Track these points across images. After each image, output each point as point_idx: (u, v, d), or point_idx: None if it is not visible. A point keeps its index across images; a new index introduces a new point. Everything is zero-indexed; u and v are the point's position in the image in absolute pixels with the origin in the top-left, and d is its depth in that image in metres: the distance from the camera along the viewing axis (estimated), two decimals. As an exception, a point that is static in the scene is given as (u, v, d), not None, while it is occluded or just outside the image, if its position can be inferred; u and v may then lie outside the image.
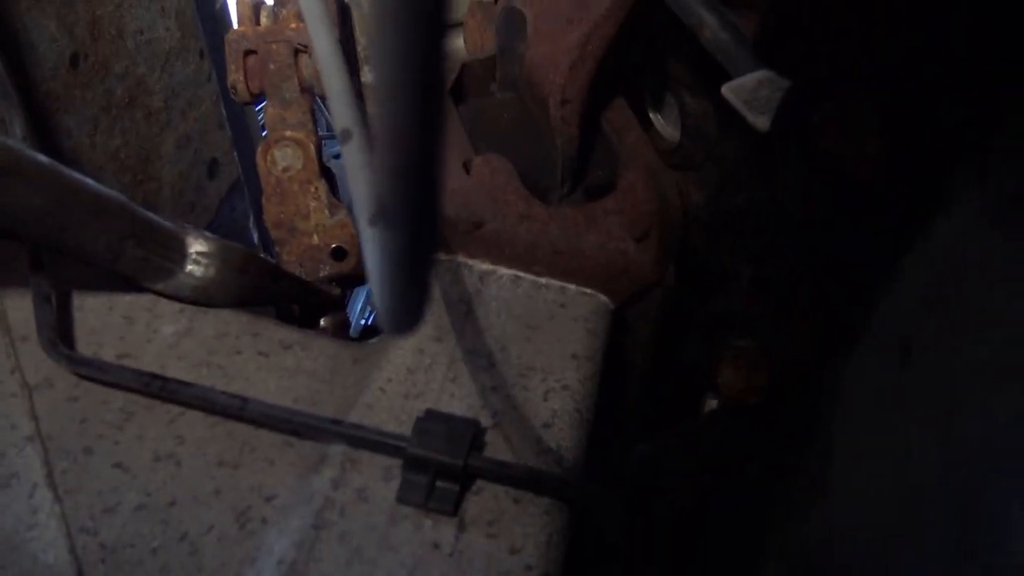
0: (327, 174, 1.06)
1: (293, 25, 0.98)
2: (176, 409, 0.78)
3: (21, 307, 0.84)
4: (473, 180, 0.86)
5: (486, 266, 0.88)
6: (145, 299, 0.87)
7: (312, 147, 1.01)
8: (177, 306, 0.87)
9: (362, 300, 2.06)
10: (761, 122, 0.67)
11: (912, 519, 0.54)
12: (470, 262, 0.88)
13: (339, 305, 1.08)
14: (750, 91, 0.69)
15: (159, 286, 0.84)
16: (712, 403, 1.07)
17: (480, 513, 0.69)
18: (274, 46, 0.98)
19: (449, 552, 0.66)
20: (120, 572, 0.68)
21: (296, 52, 0.99)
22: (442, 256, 0.89)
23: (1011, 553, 0.39)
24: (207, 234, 0.85)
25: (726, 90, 0.70)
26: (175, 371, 0.80)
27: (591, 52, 0.82)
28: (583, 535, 0.75)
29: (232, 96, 1.01)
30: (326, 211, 1.02)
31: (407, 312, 0.41)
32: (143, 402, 0.79)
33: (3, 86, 0.89)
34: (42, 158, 0.71)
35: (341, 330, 1.11)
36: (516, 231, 0.85)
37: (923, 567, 0.51)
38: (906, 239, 0.67)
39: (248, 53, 0.99)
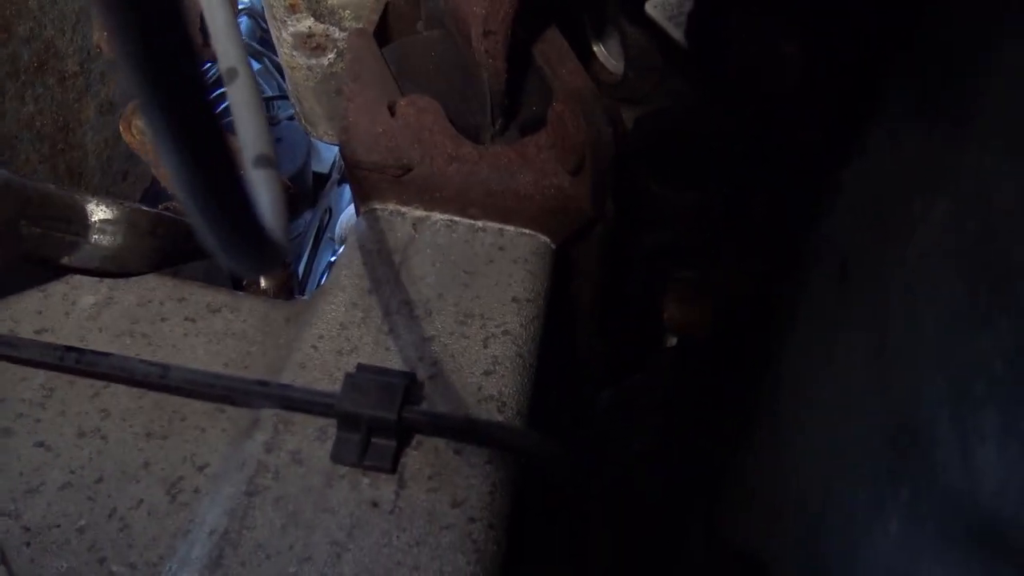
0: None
1: None
2: (100, 383, 0.75)
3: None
4: (399, 122, 0.82)
5: (419, 212, 0.84)
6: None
7: None
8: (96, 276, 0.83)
9: (325, 260, 2.02)
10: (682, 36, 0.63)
11: (850, 441, 0.52)
12: (402, 209, 0.84)
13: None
14: (674, 6, 0.65)
15: (66, 259, 0.80)
16: (671, 340, 1.04)
17: (420, 468, 0.66)
18: None
19: (389, 510, 0.64)
20: (46, 553, 0.65)
21: None
22: (373, 204, 0.85)
23: (936, 471, 0.37)
24: (110, 200, 0.81)
25: (650, 7, 0.66)
26: (96, 343, 0.77)
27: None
28: (533, 484, 0.73)
29: (97, 56, 0.96)
30: None
31: (245, 248, 0.37)
32: (64, 377, 0.75)
33: None
34: None
35: (283, 290, 1.07)
36: (446, 173, 0.81)
37: (859, 491, 0.49)
38: (840, 152, 0.64)
39: None
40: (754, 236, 0.84)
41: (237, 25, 0.56)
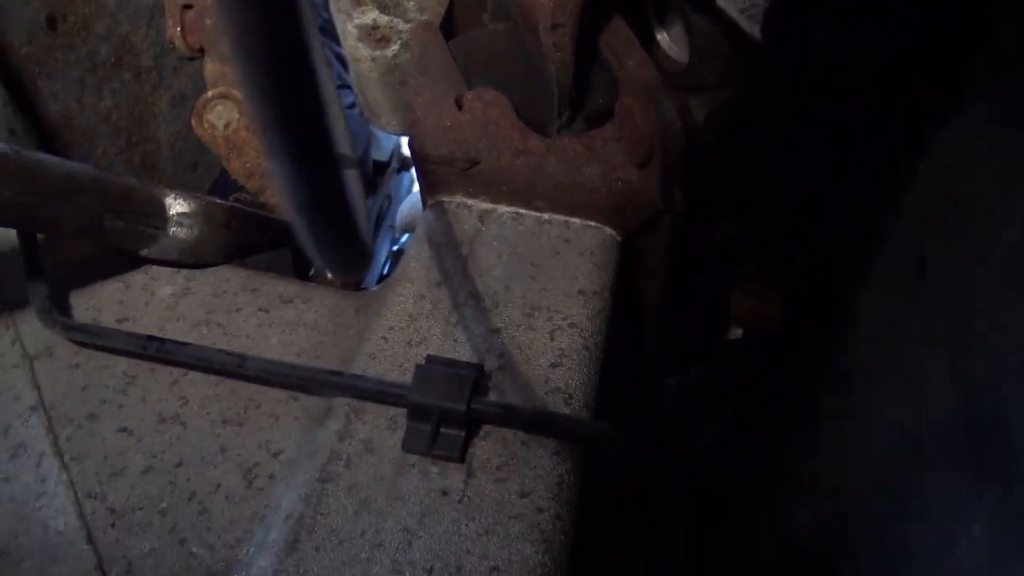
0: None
1: None
2: (179, 370, 0.77)
3: (16, 277, 0.83)
4: (466, 116, 0.83)
5: (485, 205, 0.85)
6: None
7: (239, 93, 0.99)
8: (174, 266, 0.85)
9: (384, 249, 2.04)
10: (758, 30, 0.62)
11: (927, 440, 0.51)
12: (469, 201, 0.85)
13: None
14: (747, -1, 0.64)
15: (145, 252, 0.83)
16: (736, 333, 1.04)
17: (488, 458, 0.67)
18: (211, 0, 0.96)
19: (458, 499, 0.65)
20: (130, 535, 0.68)
21: None
22: (441, 196, 0.86)
23: (1022, 471, 0.37)
24: (188, 194, 0.83)
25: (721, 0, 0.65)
26: (174, 332, 0.79)
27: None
28: (600, 476, 0.73)
29: (170, 51, 0.99)
30: None
31: (339, 248, 0.38)
32: (145, 365, 0.78)
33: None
34: (3, 147, 0.69)
35: (350, 281, 1.09)
36: (513, 167, 0.82)
37: (941, 489, 0.48)
38: (918, 149, 0.63)
39: (186, 8, 0.97)
40: (825, 230, 0.82)
41: (314, 21, 0.57)
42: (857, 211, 0.77)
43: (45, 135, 0.94)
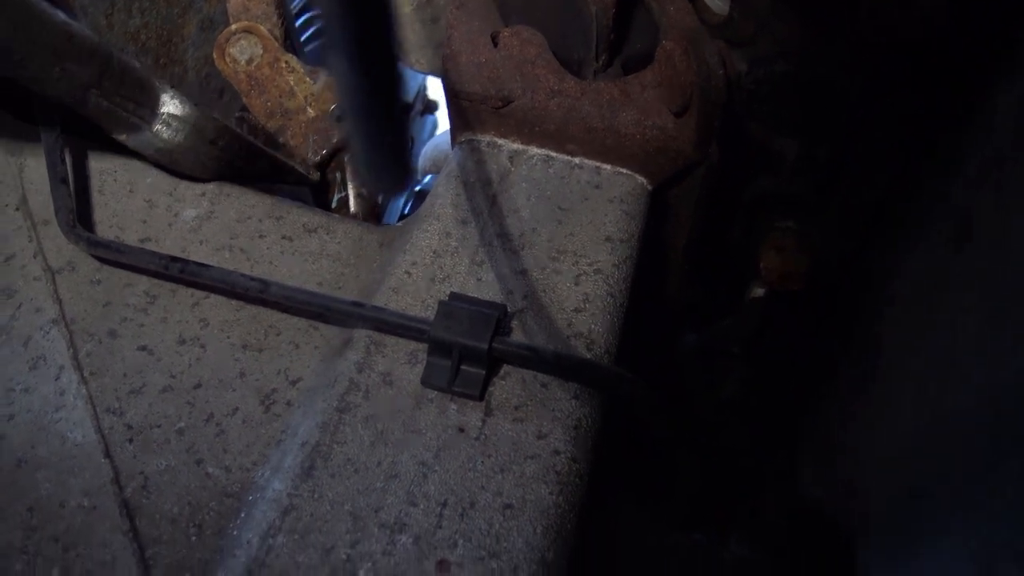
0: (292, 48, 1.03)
1: None
2: (200, 293, 0.77)
3: (42, 191, 0.82)
4: (501, 53, 0.81)
5: (517, 145, 0.84)
6: (166, 183, 0.85)
7: (264, 28, 0.97)
8: (199, 189, 0.84)
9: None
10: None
11: (954, 409, 0.51)
12: (500, 141, 0.84)
13: (319, 190, 1.05)
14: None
15: (123, 138, 0.81)
16: (758, 291, 1.03)
17: (507, 398, 0.67)
18: None
19: (475, 436, 0.65)
20: (147, 451, 0.68)
21: None
22: (471, 135, 0.85)
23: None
24: (185, 99, 0.82)
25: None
26: (197, 254, 0.79)
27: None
28: (617, 422, 0.73)
29: None
30: (307, 80, 0.98)
31: (383, 162, 0.38)
32: (167, 286, 0.78)
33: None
34: None
35: (372, 215, 1.08)
36: (547, 107, 0.80)
37: (971, 456, 0.47)
38: (965, 108, 0.61)
39: None
40: (861, 189, 0.81)
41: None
42: (896, 171, 0.76)
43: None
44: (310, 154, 0.97)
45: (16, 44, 0.69)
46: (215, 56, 0.99)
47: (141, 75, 0.80)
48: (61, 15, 0.72)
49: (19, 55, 0.70)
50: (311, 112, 0.97)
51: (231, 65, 0.98)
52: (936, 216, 0.66)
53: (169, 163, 0.84)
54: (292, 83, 0.96)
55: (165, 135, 0.81)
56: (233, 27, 0.98)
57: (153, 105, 0.81)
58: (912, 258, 0.67)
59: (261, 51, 0.98)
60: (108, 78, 0.76)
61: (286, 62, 0.98)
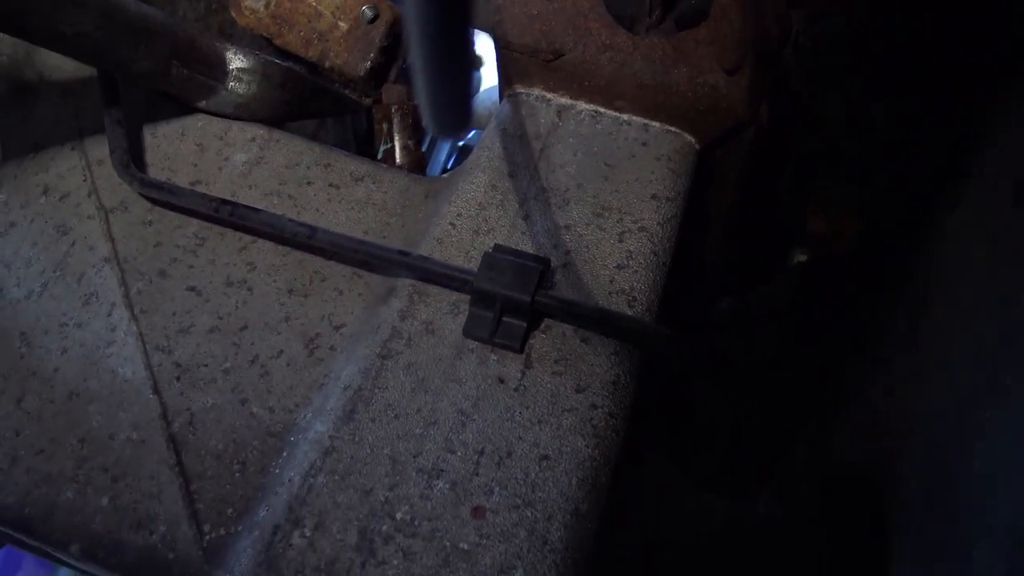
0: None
1: None
2: (248, 237, 0.78)
3: (97, 132, 0.84)
4: (554, 6, 0.80)
5: (565, 100, 0.83)
6: (217, 126, 0.86)
7: None
8: (249, 134, 0.85)
9: (447, 146, 2.02)
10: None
11: (1012, 382, 0.50)
12: (548, 95, 0.83)
13: (366, 140, 1.06)
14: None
15: (202, 103, 0.85)
16: (801, 256, 1.02)
17: (547, 351, 0.67)
18: None
19: (514, 387, 0.66)
20: (194, 389, 0.70)
21: None
22: (519, 88, 0.84)
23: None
24: (247, 50, 0.85)
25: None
26: (246, 199, 0.80)
27: None
28: (654, 379, 0.73)
29: None
30: None
31: (450, 105, 0.38)
32: (216, 229, 0.79)
33: None
34: None
35: (417, 166, 1.08)
36: (598, 62, 0.80)
37: (1013, 436, 0.47)
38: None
39: None
40: (912, 154, 0.79)
41: None
42: (948, 135, 0.74)
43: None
44: (360, 66, 0.95)
45: (104, 34, 0.73)
46: (234, 15, 0.98)
47: (205, 40, 0.83)
48: (133, 1, 0.76)
49: (108, 43, 0.74)
50: (343, 25, 0.95)
51: (252, 16, 0.97)
52: (994, 174, 0.64)
53: (248, 115, 0.87)
54: (314, 3, 0.95)
55: (240, 90, 0.84)
56: None
57: (222, 65, 0.84)
58: (969, 221, 0.66)
59: None
60: (182, 48, 0.80)
61: None
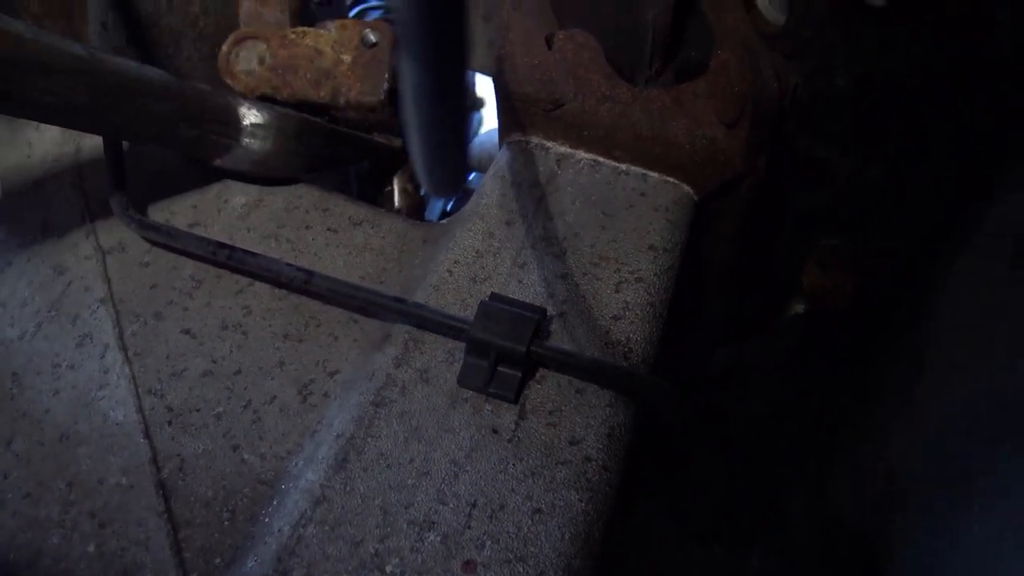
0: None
1: None
2: (244, 280, 0.78)
3: (98, 171, 0.84)
4: (555, 56, 0.81)
5: (564, 148, 0.84)
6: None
7: (247, 29, 0.89)
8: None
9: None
10: (876, -3, 0.59)
11: (1010, 442, 0.49)
12: (547, 144, 0.84)
13: (402, 156, 1.00)
14: (867, -41, 0.61)
15: (219, 162, 0.82)
16: (798, 308, 1.01)
17: (541, 401, 0.67)
18: None
19: (508, 438, 0.65)
20: (185, 434, 0.69)
21: None
22: (518, 136, 0.85)
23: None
24: (261, 104, 0.82)
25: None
26: (244, 242, 0.80)
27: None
28: (648, 429, 0.73)
29: None
30: (322, 33, 0.87)
31: (445, 167, 0.38)
32: (212, 271, 0.79)
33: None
34: (79, 48, 0.67)
35: (415, 211, 1.08)
36: (598, 112, 0.80)
37: (1013, 480, 0.46)
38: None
39: None
40: (912, 209, 0.79)
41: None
42: (947, 193, 0.74)
43: (133, 32, 0.94)
44: (377, 90, 0.87)
45: (98, 103, 0.70)
46: (230, 83, 0.89)
47: (217, 96, 0.80)
48: (132, 64, 0.72)
49: (103, 112, 0.71)
50: (346, 57, 0.87)
51: (247, 78, 0.88)
52: (993, 234, 0.65)
53: (265, 172, 0.85)
54: (312, 44, 0.87)
55: (255, 146, 0.82)
56: (226, 47, 0.88)
57: (236, 121, 0.81)
58: (966, 281, 0.66)
59: (263, 44, 0.88)
60: (191, 107, 0.77)
61: (292, 33, 0.88)
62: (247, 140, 0.82)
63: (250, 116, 0.82)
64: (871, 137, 0.79)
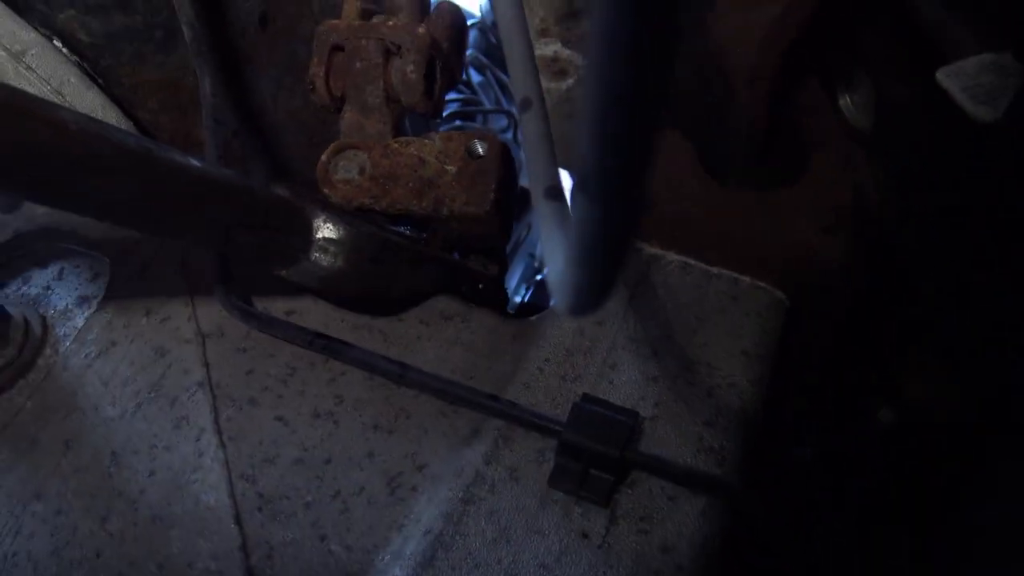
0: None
1: (390, 23, 0.85)
2: (337, 369, 0.79)
3: (202, 256, 0.87)
4: (648, 158, 0.82)
5: (655, 250, 0.84)
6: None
7: (349, 139, 0.83)
8: (344, 267, 0.87)
9: (517, 275, 2.06)
10: (983, 112, 0.59)
11: None
12: (638, 244, 0.85)
13: (497, 284, 0.97)
14: (971, 76, 0.61)
15: (283, 273, 0.76)
16: (887, 414, 0.99)
17: (633, 507, 0.66)
18: (363, 42, 0.82)
19: (598, 544, 0.64)
20: (275, 522, 0.70)
21: (387, 53, 0.82)
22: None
23: None
24: (340, 218, 0.75)
25: (942, 75, 0.62)
26: (337, 331, 0.81)
27: (789, 26, 0.76)
28: (740, 539, 0.71)
29: (309, 93, 0.89)
30: (426, 142, 0.82)
31: (592, 293, 0.38)
32: (307, 358, 0.80)
33: (198, 43, 0.92)
34: (131, 141, 0.62)
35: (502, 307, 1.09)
36: (689, 215, 0.81)
37: None
38: None
39: (335, 49, 0.83)
40: (1016, 323, 0.77)
41: (534, 56, 0.58)
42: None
43: (242, 126, 0.98)
44: (484, 200, 0.80)
45: (147, 199, 0.65)
46: (328, 192, 0.81)
47: (293, 203, 0.75)
48: (192, 160, 0.67)
49: (151, 209, 0.66)
50: (451, 168, 0.82)
51: (347, 188, 0.80)
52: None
53: (335, 292, 0.81)
54: (415, 152, 0.82)
55: (324, 262, 0.75)
56: (324, 157, 0.82)
57: (306, 232, 0.74)
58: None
59: (364, 153, 0.83)
60: (251, 214, 0.71)
61: (396, 143, 0.84)
62: (316, 255, 0.75)
63: (324, 229, 0.75)
64: (973, 254, 0.78)
